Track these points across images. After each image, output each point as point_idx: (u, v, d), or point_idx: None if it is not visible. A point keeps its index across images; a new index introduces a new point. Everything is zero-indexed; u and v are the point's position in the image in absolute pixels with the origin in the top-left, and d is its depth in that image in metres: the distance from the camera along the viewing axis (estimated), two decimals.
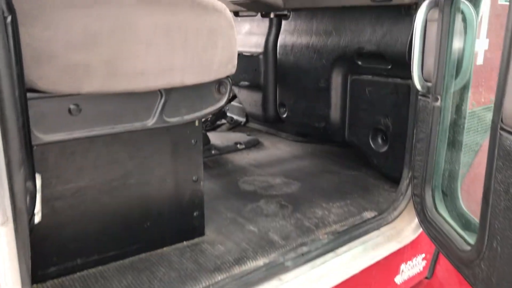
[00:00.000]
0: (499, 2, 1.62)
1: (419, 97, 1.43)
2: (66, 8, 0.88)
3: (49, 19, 0.87)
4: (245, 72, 2.17)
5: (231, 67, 1.15)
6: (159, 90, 1.07)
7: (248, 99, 2.34)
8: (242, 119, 2.65)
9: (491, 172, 1.03)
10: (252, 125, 2.68)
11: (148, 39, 0.97)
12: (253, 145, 2.35)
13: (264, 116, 2.26)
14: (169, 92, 1.09)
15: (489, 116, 1.60)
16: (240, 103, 2.47)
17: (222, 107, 1.21)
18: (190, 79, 1.07)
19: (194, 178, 1.30)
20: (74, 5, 0.88)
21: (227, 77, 1.17)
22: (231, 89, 1.21)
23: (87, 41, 0.90)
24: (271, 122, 2.30)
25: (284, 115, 2.16)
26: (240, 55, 2.23)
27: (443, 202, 1.39)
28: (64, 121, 0.98)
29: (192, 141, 1.27)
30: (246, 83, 2.19)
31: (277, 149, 2.31)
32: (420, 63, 1.34)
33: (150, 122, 1.09)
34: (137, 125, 1.07)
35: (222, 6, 1.09)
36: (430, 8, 1.31)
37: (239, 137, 2.41)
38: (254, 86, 2.22)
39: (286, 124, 2.25)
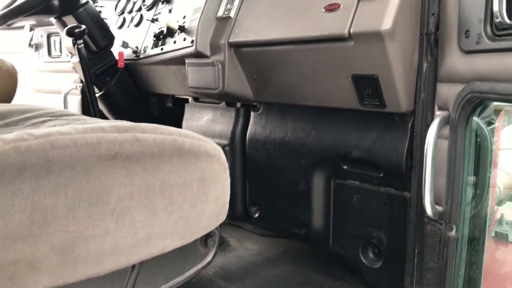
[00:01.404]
0: None
1: (426, 219, 1.26)
2: (3, 184, 0.60)
3: None
4: None
5: (222, 217, 0.90)
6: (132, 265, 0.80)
7: None
8: None
9: None
10: None
11: (122, 207, 0.70)
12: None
13: (231, 214, 2.00)
14: (143, 262, 0.82)
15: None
16: None
17: (209, 263, 0.95)
18: (173, 245, 0.81)
19: None
20: (19, 179, 0.61)
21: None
22: (219, 240, 0.95)
23: (35, 225, 0.62)
24: (239, 220, 2.05)
25: (256, 215, 1.92)
26: None
27: None
28: None
29: None
30: None
31: (245, 249, 2.05)
32: (432, 187, 1.16)
33: None
34: None
35: (216, 149, 0.85)
36: (441, 126, 1.15)
37: None
38: None
39: (257, 224, 2.00)
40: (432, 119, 1.29)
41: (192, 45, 1.75)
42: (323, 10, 1.36)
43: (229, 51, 1.69)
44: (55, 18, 2.19)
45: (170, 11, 2.10)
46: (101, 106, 2.47)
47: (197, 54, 1.76)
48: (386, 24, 1.20)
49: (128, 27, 2.45)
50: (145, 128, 0.75)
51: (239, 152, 1.92)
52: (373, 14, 1.24)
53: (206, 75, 1.76)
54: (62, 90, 2.92)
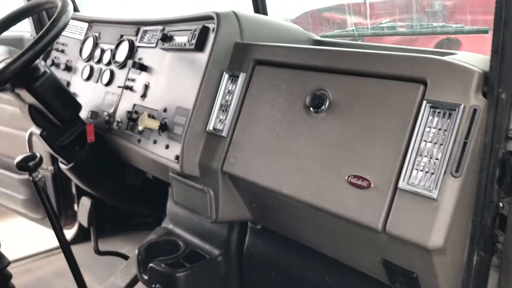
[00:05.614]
0: None
1: None
2: None
3: None
4: (201, 283, 1.66)
5: None
6: None
7: None
8: None
9: None
10: None
11: None
12: None
13: None
14: None
15: None
16: None
17: None
18: None
19: None
20: None
21: None
22: None
23: None
24: None
25: None
26: (193, 256, 1.72)
27: None
28: None
29: None
30: None
31: None
32: None
33: None
34: None
35: None
36: None
37: None
38: None
39: None
40: None
41: (177, 162, 1.43)
42: (347, 180, 1.06)
43: (224, 177, 1.38)
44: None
45: (146, 87, 1.74)
46: (73, 179, 2.16)
47: (184, 175, 1.45)
48: (437, 239, 0.92)
49: (96, 82, 2.08)
50: None
51: (235, 269, 1.66)
52: (417, 217, 0.95)
53: (195, 198, 1.46)
54: (29, 129, 2.55)
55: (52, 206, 1.67)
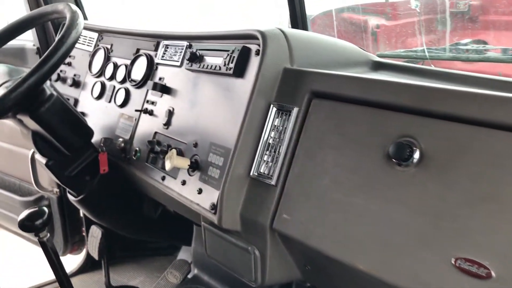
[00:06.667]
0: None
1: None
2: None
3: None
4: None
5: None
6: None
7: None
8: None
9: None
10: None
11: None
12: None
13: None
14: None
15: None
16: None
17: None
18: None
19: None
20: None
21: None
22: None
23: None
24: None
25: None
26: None
27: None
28: None
29: None
30: None
31: None
32: None
33: None
34: None
35: None
36: None
37: None
38: None
39: None
40: None
41: (214, 213, 1.18)
42: (454, 264, 0.81)
43: (273, 235, 1.12)
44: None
45: (170, 113, 1.49)
46: (83, 211, 1.91)
47: (222, 229, 1.20)
48: None
49: (109, 101, 1.82)
50: None
51: None
52: None
53: (235, 257, 1.21)
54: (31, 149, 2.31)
55: (63, 267, 1.41)
